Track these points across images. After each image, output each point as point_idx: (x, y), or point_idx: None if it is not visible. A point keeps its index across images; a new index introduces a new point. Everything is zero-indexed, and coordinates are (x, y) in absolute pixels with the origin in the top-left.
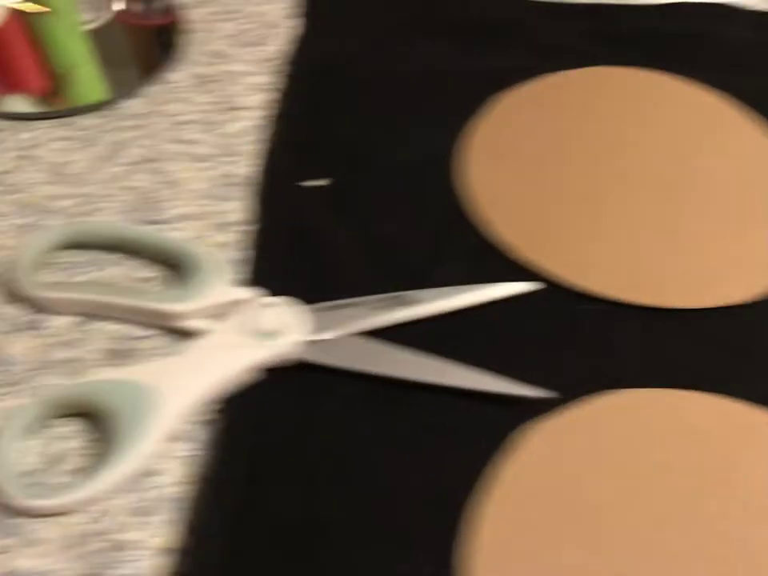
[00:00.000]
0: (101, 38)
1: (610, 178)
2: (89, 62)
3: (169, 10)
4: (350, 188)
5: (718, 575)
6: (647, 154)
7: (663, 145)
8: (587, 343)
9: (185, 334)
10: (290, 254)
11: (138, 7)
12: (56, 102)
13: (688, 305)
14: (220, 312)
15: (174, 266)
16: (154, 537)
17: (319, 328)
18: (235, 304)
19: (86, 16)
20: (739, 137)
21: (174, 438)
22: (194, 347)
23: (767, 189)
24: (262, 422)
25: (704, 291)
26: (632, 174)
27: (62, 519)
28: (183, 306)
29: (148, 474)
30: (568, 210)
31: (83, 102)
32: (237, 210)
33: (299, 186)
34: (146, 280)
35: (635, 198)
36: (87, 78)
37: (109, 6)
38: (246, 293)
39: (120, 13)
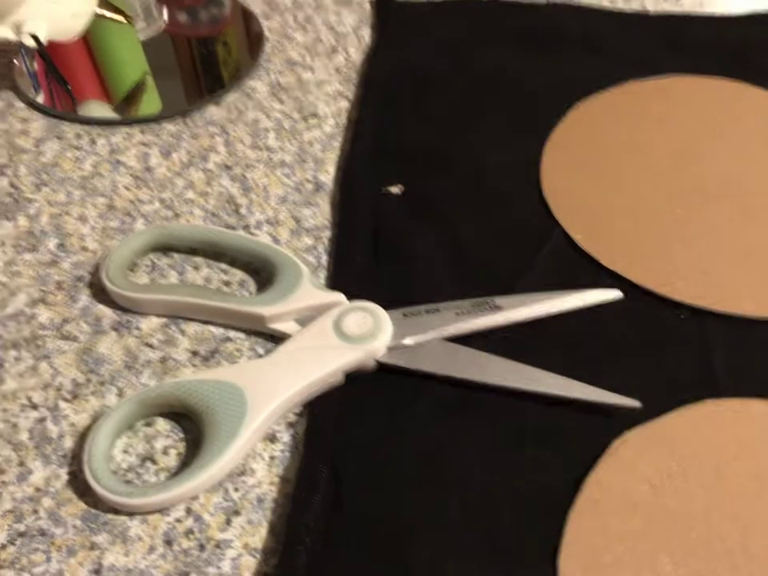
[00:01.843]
0: (157, 47)
1: (689, 185)
2: (150, 71)
3: (217, 20)
4: (428, 194)
5: None
6: (725, 163)
7: (741, 154)
8: (675, 352)
9: (271, 337)
10: (371, 258)
11: (184, 18)
12: (132, 109)
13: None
14: (305, 315)
15: (258, 269)
16: (244, 537)
17: (403, 333)
18: (320, 308)
19: (140, 26)
20: None
21: (263, 438)
22: (280, 350)
23: None
24: (346, 424)
25: None
26: (711, 182)
27: (153, 517)
28: (269, 308)
29: (238, 474)
30: (649, 217)
31: (157, 110)
32: (316, 216)
33: (378, 191)
34: (232, 283)
35: (715, 206)
36: (154, 86)
37: (160, 17)
38: (330, 296)
39: (169, 24)
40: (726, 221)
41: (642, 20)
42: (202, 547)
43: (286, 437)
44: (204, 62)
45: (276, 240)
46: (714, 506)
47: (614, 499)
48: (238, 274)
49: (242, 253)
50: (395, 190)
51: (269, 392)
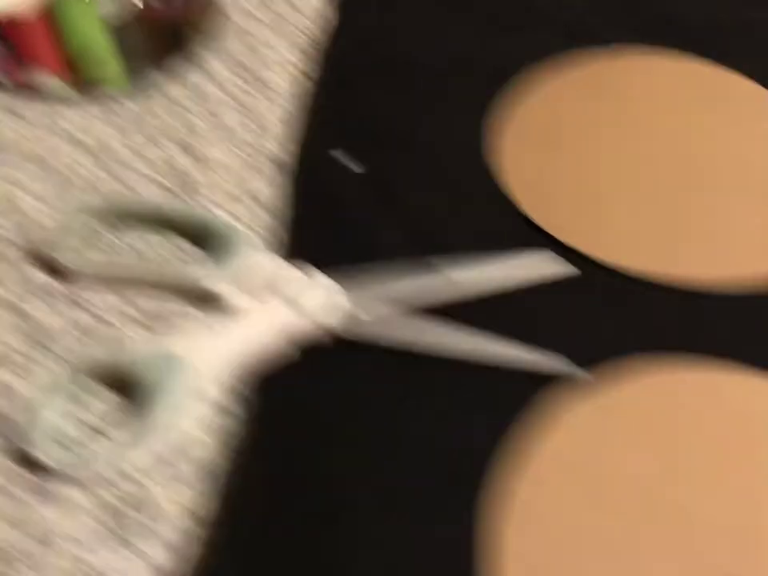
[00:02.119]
0: (127, 28)
1: (640, 158)
2: (113, 48)
3: (190, 3)
4: (384, 166)
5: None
6: (677, 136)
7: (685, 125)
8: (623, 320)
9: (220, 308)
10: (324, 230)
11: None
12: (89, 86)
13: (725, 282)
14: (255, 286)
15: (209, 241)
16: (187, 507)
17: (353, 303)
18: (271, 279)
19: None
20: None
21: (210, 409)
22: (228, 320)
23: None
24: (296, 396)
25: (742, 269)
26: (663, 155)
27: (93, 485)
28: (218, 280)
29: (183, 444)
30: (600, 190)
31: (116, 86)
32: (271, 188)
33: (333, 162)
34: (182, 255)
35: (667, 179)
36: (114, 62)
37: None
38: (281, 268)
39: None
40: (678, 192)
41: None
42: (145, 517)
43: (236, 409)
44: (163, 40)
45: (231, 213)
46: (655, 474)
47: (546, 456)
48: (186, 246)
49: (192, 225)
50: (348, 161)
51: (213, 362)
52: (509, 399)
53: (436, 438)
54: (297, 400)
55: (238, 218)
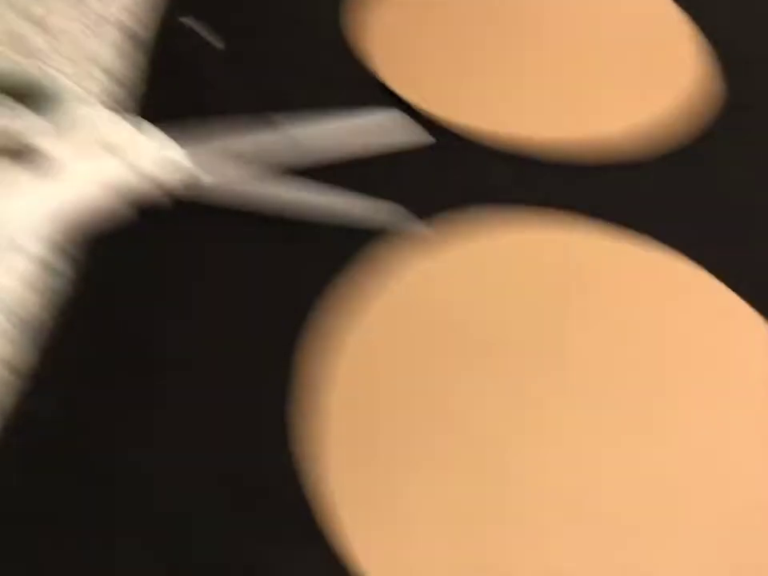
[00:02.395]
0: None
1: (493, 26)
2: None
3: None
4: (231, 27)
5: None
6: (539, 11)
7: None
8: (461, 181)
9: (41, 162)
10: (170, 93)
11: None
12: None
13: (565, 139)
14: (83, 141)
15: (38, 100)
16: (5, 359)
17: (191, 159)
18: (101, 134)
19: None
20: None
21: (32, 264)
22: (57, 173)
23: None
24: (127, 257)
25: (581, 135)
26: (514, 24)
27: None
28: (41, 133)
29: (2, 298)
30: (460, 58)
31: None
32: (116, 55)
33: (185, 32)
34: (11, 111)
35: (519, 51)
36: None
37: None
38: (113, 123)
39: None
40: (525, 64)
41: None
42: None
43: (57, 263)
44: None
45: (70, 77)
46: (468, 301)
47: (371, 299)
48: (11, 104)
49: (16, 83)
50: (205, 34)
51: (28, 213)
52: (347, 254)
53: (266, 298)
54: (128, 260)
55: (77, 82)
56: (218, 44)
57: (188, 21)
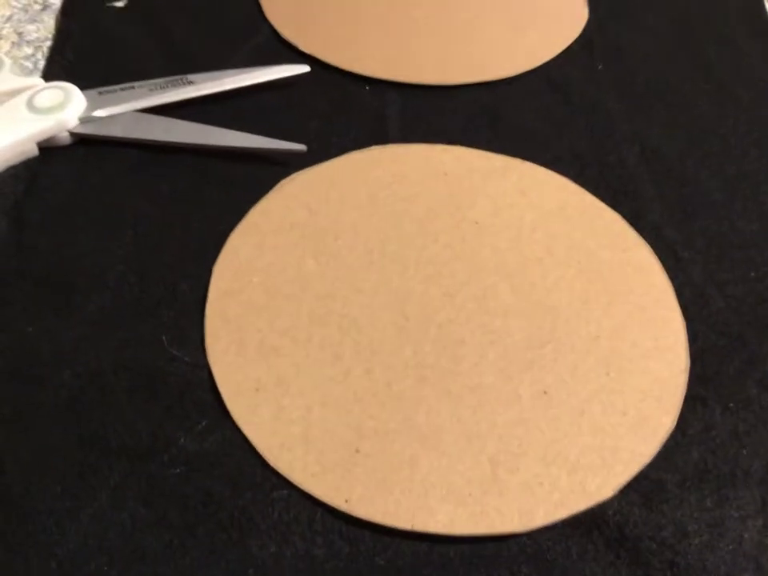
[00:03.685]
0: None
1: None
2: None
3: None
4: (151, 2)
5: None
6: None
7: None
8: (355, 117)
9: None
10: (83, 52)
11: None
12: None
13: (451, 81)
14: (3, 98)
15: None
16: None
17: (95, 106)
18: (19, 90)
19: None
20: None
21: None
22: None
23: None
24: (34, 186)
25: (467, 69)
26: None
27: None
28: None
29: None
30: (351, 11)
31: None
32: (39, 30)
33: (102, 4)
34: None
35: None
36: None
37: None
38: (28, 81)
39: None
40: (415, 11)
41: None
42: None
43: None
44: None
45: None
46: (362, 222)
47: (274, 222)
48: None
49: None
50: (119, 3)
51: None
52: (248, 180)
53: (173, 218)
54: (39, 193)
55: (5, 55)
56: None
57: (112, 3)
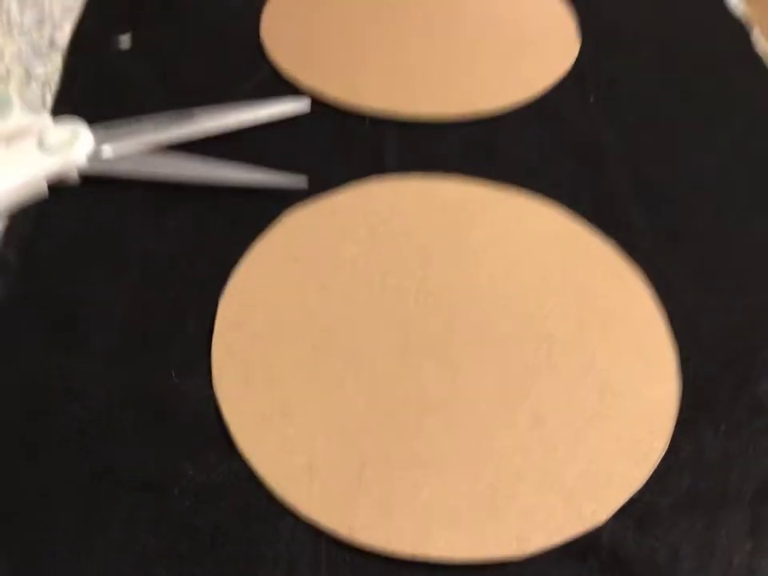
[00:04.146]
0: None
1: (385, 20)
2: None
3: None
4: (155, 39)
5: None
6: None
7: None
8: (355, 151)
9: None
10: (90, 89)
11: None
12: None
13: (447, 114)
14: (11, 138)
15: None
16: None
17: (103, 143)
18: (28, 128)
19: None
20: None
21: None
22: None
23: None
24: (45, 224)
25: (462, 103)
26: (404, 17)
27: None
28: None
29: None
30: (349, 49)
31: None
32: (47, 66)
33: (108, 42)
34: None
35: (408, 33)
36: None
37: None
38: (37, 118)
39: None
40: (412, 48)
41: None
42: None
43: None
44: None
45: (12, 85)
46: (363, 254)
47: (277, 255)
48: None
49: None
50: (125, 40)
51: None
52: (252, 214)
53: (179, 254)
54: (44, 227)
55: (13, 91)
56: (126, 45)
57: (117, 41)
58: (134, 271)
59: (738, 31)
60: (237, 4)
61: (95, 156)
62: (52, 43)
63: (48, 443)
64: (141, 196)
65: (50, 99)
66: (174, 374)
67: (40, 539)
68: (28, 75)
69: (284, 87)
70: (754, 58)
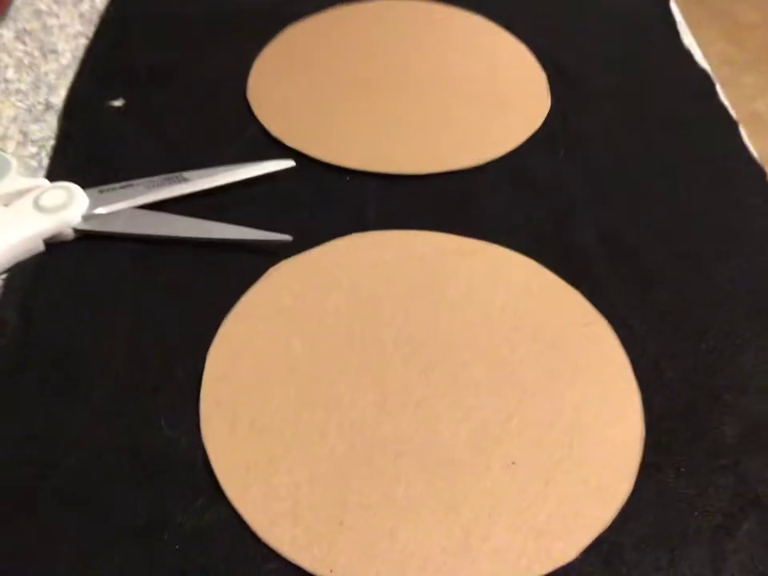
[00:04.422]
0: None
1: (366, 84)
2: None
3: None
4: (147, 103)
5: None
6: (400, 64)
7: (413, 56)
8: (337, 206)
9: None
10: (84, 152)
11: None
12: None
13: (424, 170)
14: (13, 199)
15: None
16: None
17: (97, 204)
18: (25, 191)
19: None
20: (486, 45)
21: None
22: None
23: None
24: (41, 280)
25: (438, 159)
26: (383, 80)
27: None
28: None
29: None
30: (332, 110)
31: None
32: (43, 130)
33: (102, 105)
34: None
35: (383, 97)
36: None
37: None
38: (34, 182)
39: None
40: (391, 107)
41: None
42: None
43: None
44: None
45: (8, 149)
46: (344, 306)
47: (263, 308)
48: None
49: None
50: (118, 103)
51: None
52: (239, 269)
53: (169, 306)
54: (40, 283)
55: (13, 153)
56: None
57: (111, 103)
58: (127, 323)
59: (702, 85)
60: (224, 68)
61: (89, 215)
62: (48, 106)
63: (46, 493)
64: (133, 251)
65: (46, 159)
66: (164, 424)
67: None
68: (25, 137)
69: (270, 145)
70: (718, 111)
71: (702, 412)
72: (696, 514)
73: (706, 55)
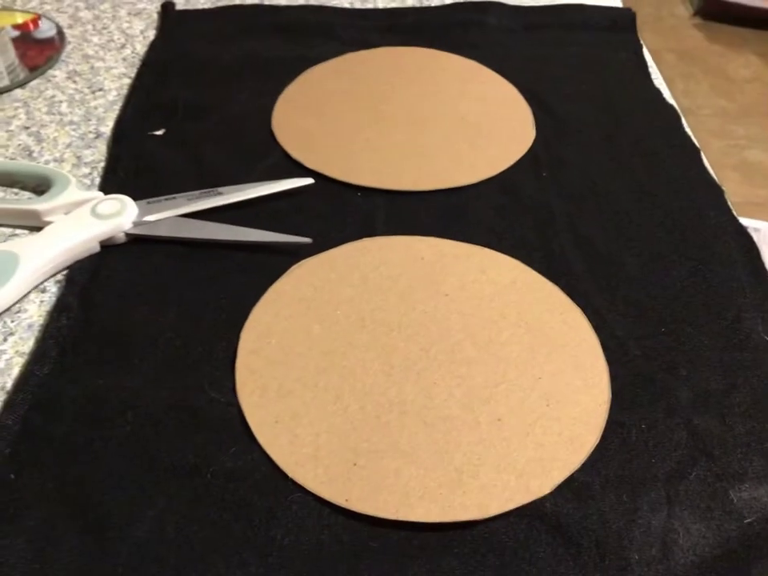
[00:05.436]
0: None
1: (377, 116)
2: None
3: (54, 40)
4: (184, 133)
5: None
6: (406, 101)
7: (420, 94)
8: (351, 217)
9: (41, 222)
10: (132, 171)
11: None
12: None
13: (426, 188)
14: (72, 209)
15: (41, 188)
16: (15, 347)
17: (145, 213)
18: (83, 203)
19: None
20: (479, 84)
21: (35, 289)
22: (48, 228)
23: (491, 116)
24: (97, 275)
25: (438, 178)
26: (392, 114)
27: None
28: (43, 204)
29: (15, 312)
30: (347, 138)
31: None
32: (94, 154)
33: (145, 133)
34: (21, 196)
35: (392, 128)
36: None
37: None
38: (91, 194)
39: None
40: (397, 136)
41: (369, 12)
42: None
43: (53, 288)
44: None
45: (65, 169)
46: (356, 296)
47: (287, 298)
48: (26, 194)
49: (26, 176)
50: (159, 132)
51: (37, 254)
52: (266, 267)
53: (208, 297)
54: (98, 278)
55: (69, 172)
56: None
57: (152, 132)
58: (172, 311)
59: (669, 118)
60: (251, 104)
61: (139, 222)
62: (98, 134)
63: (106, 444)
64: (177, 252)
65: (97, 179)
66: (206, 387)
67: (102, 513)
68: (79, 160)
69: (292, 168)
70: (683, 140)
71: (660, 382)
72: (654, 460)
73: (699, 108)
